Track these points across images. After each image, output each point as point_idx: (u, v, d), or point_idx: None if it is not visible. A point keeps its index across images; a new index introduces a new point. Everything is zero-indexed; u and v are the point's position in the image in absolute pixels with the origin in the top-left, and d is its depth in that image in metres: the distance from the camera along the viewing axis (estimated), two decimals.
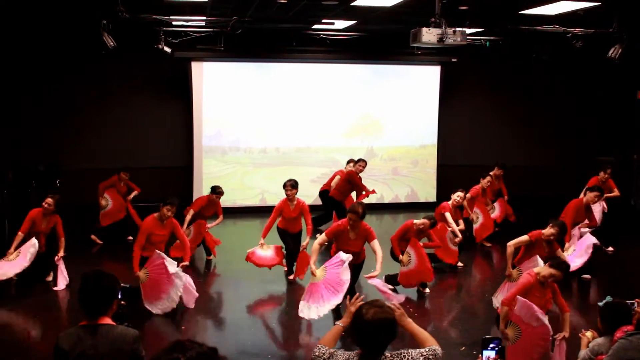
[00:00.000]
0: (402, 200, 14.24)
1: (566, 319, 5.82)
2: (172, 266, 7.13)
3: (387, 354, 3.07)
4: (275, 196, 13.14)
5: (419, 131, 14.20)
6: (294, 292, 8.39)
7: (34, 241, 8.06)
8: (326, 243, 7.31)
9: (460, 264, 9.50)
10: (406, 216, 10.74)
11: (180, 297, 7.23)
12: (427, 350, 3.10)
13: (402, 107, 14.01)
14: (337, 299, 6.64)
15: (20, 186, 11.18)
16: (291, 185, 8.61)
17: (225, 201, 12.83)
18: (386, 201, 14.08)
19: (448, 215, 9.20)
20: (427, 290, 8.30)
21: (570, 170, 14.49)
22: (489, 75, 14.58)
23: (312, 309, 6.70)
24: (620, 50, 10.32)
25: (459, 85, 14.51)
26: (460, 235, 9.17)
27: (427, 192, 14.38)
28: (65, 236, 8.51)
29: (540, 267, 6.08)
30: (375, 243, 7.08)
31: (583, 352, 4.61)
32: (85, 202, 11.29)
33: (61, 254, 8.27)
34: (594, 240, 8.59)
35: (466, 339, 6.71)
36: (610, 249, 10.38)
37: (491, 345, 3.62)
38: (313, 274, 6.88)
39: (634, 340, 3.93)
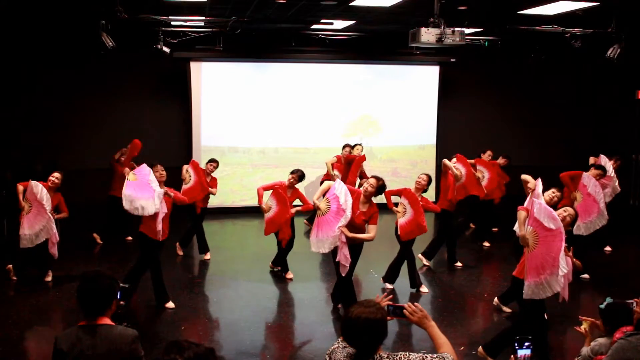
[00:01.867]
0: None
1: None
2: (155, 184, 7.50)
3: (384, 354, 3.06)
4: None
5: (418, 131, 14.20)
6: (292, 292, 8.40)
7: (39, 188, 8.05)
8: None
9: (459, 263, 9.51)
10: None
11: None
12: (434, 355, 3.06)
13: (401, 107, 14.01)
14: (344, 221, 6.88)
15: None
16: (298, 177, 8.66)
17: (224, 201, 12.90)
18: (385, 201, 14.03)
19: (446, 161, 9.30)
20: (426, 289, 8.30)
21: (569, 170, 14.48)
22: (487, 75, 14.59)
23: (324, 242, 6.99)
24: (619, 50, 10.33)
25: (457, 85, 14.51)
26: (462, 172, 9.32)
27: (426, 193, 14.30)
28: (62, 238, 8.50)
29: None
30: (373, 228, 7.13)
31: (585, 350, 4.61)
32: (84, 201, 11.28)
33: (58, 216, 8.41)
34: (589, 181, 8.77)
35: (465, 339, 6.72)
36: (609, 248, 10.38)
37: (526, 344, 3.64)
38: (318, 208, 7.12)
39: (632, 341, 3.92)
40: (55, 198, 8.42)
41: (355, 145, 11.47)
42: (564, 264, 5.56)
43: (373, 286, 8.39)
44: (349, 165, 11.01)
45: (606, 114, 14.89)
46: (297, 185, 8.76)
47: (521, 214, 5.85)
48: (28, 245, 8.06)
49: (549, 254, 5.58)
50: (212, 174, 9.83)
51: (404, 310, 3.27)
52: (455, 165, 9.36)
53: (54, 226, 8.15)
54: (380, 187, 7.24)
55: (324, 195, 7.22)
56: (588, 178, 8.84)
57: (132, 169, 10.72)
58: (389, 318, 3.16)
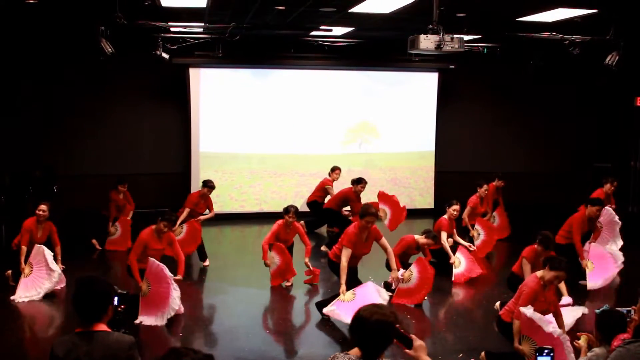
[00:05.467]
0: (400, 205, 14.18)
1: (561, 324, 5.95)
2: (168, 271, 7.11)
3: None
4: (272, 202, 13.17)
5: (417, 138, 14.20)
6: (291, 298, 8.38)
7: (42, 249, 7.97)
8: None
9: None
10: (404, 224, 10.70)
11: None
12: None
13: (400, 113, 14.01)
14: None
15: (17, 192, 11.17)
16: (294, 214, 8.68)
17: (222, 208, 12.87)
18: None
19: (444, 235, 9.13)
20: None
21: (568, 177, 14.52)
22: (486, 82, 14.60)
23: (341, 314, 6.86)
24: (617, 58, 10.34)
25: (456, 92, 14.52)
26: (452, 255, 9.10)
27: (425, 200, 14.37)
28: (62, 243, 8.48)
29: (541, 271, 6.08)
30: (384, 241, 7.29)
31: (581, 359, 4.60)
32: (82, 207, 11.27)
33: (60, 263, 8.27)
34: (604, 250, 8.79)
35: (464, 346, 6.69)
36: None
37: (545, 351, 3.65)
38: (343, 293, 6.97)
39: (631, 349, 3.91)
40: (46, 229, 8.39)
41: (335, 168, 11.52)
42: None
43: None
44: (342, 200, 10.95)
45: (605, 120, 14.91)
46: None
47: (515, 323, 5.77)
48: (18, 300, 7.81)
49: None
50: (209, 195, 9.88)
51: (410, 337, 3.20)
52: (457, 255, 9.10)
53: (54, 284, 7.98)
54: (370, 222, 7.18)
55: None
56: (595, 247, 8.80)
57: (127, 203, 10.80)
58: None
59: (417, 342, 3.17)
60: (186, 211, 9.67)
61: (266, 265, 8.56)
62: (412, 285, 7.97)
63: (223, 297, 8.38)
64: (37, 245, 8.05)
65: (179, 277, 7.47)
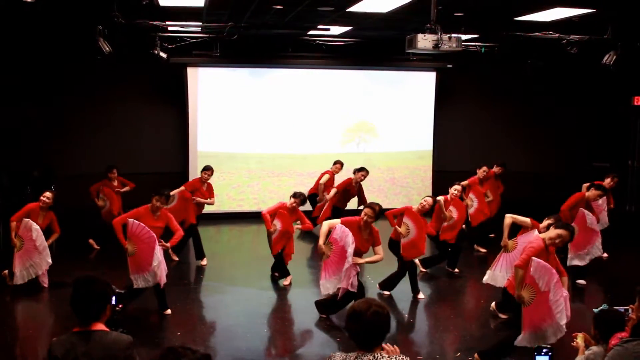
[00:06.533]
0: (398, 207, 14.17)
1: (565, 282, 6.09)
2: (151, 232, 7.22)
3: (384, 353, 3.11)
4: (270, 202, 13.14)
5: (415, 137, 14.20)
6: (289, 298, 8.38)
7: (30, 223, 8.08)
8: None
9: (456, 270, 9.51)
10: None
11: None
12: None
13: (398, 113, 14.01)
14: (347, 264, 6.99)
15: (16, 192, 11.14)
16: (301, 201, 8.74)
17: (220, 207, 12.86)
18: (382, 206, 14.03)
19: (441, 199, 9.27)
20: (422, 296, 8.29)
21: (566, 176, 14.52)
22: (484, 82, 14.61)
23: (332, 282, 7.15)
24: (614, 57, 10.36)
25: (454, 91, 14.53)
26: (454, 216, 9.29)
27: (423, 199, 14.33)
28: (59, 243, 8.48)
29: (544, 233, 6.23)
30: (380, 249, 7.38)
31: (579, 358, 4.60)
32: (81, 207, 11.25)
33: (51, 239, 8.43)
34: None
35: (462, 345, 6.71)
36: (605, 254, 10.38)
37: (544, 351, 3.65)
38: (322, 252, 7.20)
39: (629, 347, 3.92)
40: (47, 217, 8.46)
41: (336, 162, 11.75)
42: (563, 315, 5.74)
43: (369, 292, 8.36)
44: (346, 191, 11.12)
45: (603, 120, 14.92)
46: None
47: (518, 272, 5.87)
48: (20, 282, 8.09)
49: (545, 305, 5.72)
50: (208, 181, 9.85)
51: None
52: (450, 209, 9.27)
53: (46, 262, 8.17)
54: (378, 214, 7.38)
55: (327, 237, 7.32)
56: (585, 214, 8.85)
57: (124, 186, 10.83)
58: None
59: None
60: (181, 189, 9.75)
61: (269, 233, 8.59)
62: (413, 237, 8.17)
63: (221, 296, 8.39)
64: (25, 220, 8.14)
65: (167, 244, 7.48)
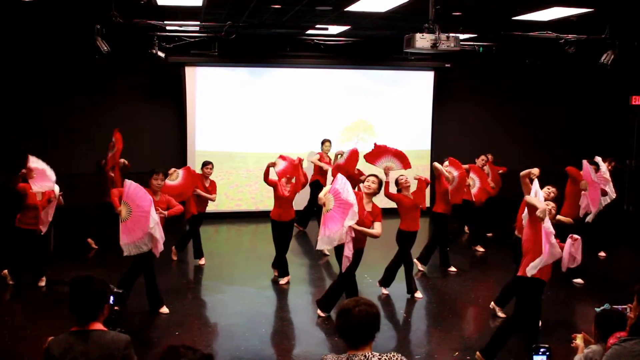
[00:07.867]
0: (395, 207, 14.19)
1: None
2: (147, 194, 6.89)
3: (375, 353, 3.10)
4: (268, 201, 13.11)
5: (413, 137, 14.20)
6: (287, 297, 8.38)
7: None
8: None
9: (453, 268, 9.52)
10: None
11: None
12: None
13: (396, 112, 14.02)
14: (350, 220, 6.80)
15: (14, 192, 11.10)
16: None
17: (218, 207, 12.84)
18: (380, 207, 14.02)
19: (437, 165, 9.42)
20: (420, 295, 8.30)
21: (564, 176, 14.50)
22: (482, 81, 14.62)
23: (332, 238, 6.95)
24: (612, 57, 10.37)
25: (452, 90, 14.54)
26: (455, 175, 9.51)
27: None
28: (58, 243, 8.47)
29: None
30: (378, 224, 7.23)
31: (578, 357, 4.60)
32: (78, 206, 11.23)
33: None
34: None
35: (459, 344, 6.71)
36: (603, 254, 10.41)
37: (541, 350, 3.63)
38: (323, 204, 7.03)
39: (627, 346, 3.92)
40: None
41: (325, 141, 12.07)
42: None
43: (368, 291, 8.36)
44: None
45: (601, 119, 14.93)
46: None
47: (529, 197, 6.13)
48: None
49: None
50: (210, 177, 9.74)
51: None
52: (447, 169, 9.41)
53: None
54: (380, 183, 7.50)
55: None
56: (589, 166, 9.17)
57: (123, 165, 10.78)
58: None
59: None
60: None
61: (271, 164, 8.97)
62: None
63: (219, 296, 8.38)
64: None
65: (164, 213, 7.25)
